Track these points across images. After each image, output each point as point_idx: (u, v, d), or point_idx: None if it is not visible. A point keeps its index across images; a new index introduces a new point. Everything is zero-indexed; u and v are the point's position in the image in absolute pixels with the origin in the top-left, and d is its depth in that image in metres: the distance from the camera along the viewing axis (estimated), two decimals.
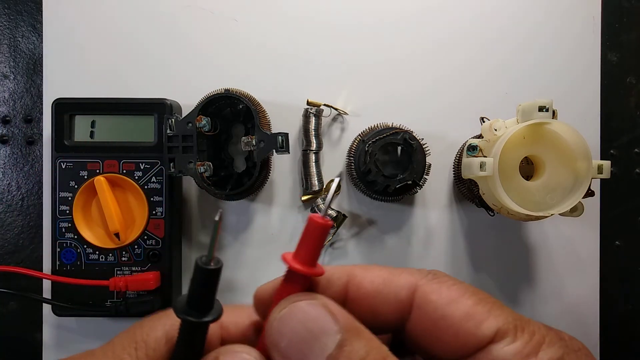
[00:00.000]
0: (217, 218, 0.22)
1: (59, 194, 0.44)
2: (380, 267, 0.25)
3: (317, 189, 0.46)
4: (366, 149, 0.42)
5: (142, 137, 0.45)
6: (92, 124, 0.45)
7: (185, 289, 0.48)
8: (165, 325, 0.23)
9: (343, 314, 0.22)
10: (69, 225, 0.44)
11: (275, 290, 0.24)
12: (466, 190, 0.45)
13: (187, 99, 0.47)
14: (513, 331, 0.23)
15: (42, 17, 0.48)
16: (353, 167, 0.44)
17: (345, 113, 0.48)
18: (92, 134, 0.45)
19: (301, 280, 0.23)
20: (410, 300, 0.24)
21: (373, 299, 0.24)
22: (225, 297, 0.48)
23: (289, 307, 0.22)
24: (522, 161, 0.40)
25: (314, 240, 0.24)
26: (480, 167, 0.38)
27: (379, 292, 0.24)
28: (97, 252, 0.44)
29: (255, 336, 0.25)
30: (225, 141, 0.46)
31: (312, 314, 0.21)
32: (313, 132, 0.46)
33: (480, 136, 0.41)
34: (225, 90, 0.43)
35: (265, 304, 0.24)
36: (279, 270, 0.50)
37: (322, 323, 0.21)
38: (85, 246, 0.44)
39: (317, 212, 0.23)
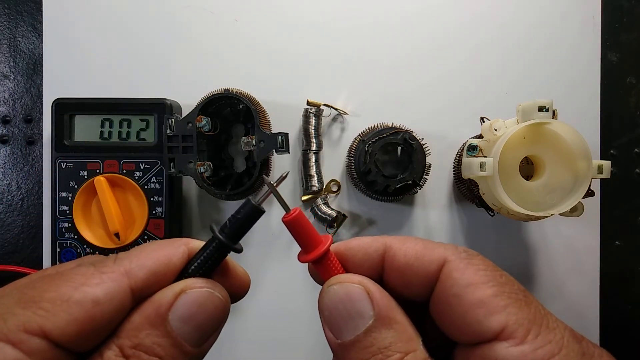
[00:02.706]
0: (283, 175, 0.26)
1: (59, 194, 0.44)
2: (416, 239, 0.25)
3: (317, 189, 0.46)
4: (366, 149, 0.42)
5: (142, 137, 0.45)
6: (92, 124, 0.45)
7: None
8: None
9: (383, 300, 0.23)
10: (69, 225, 0.44)
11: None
12: (466, 190, 0.45)
13: (187, 99, 0.47)
14: (523, 333, 0.22)
15: (42, 17, 0.48)
16: (353, 167, 0.44)
17: (345, 113, 0.48)
18: (92, 134, 0.45)
19: (323, 261, 0.25)
20: (438, 274, 0.24)
21: (405, 271, 0.24)
22: None
23: (338, 285, 0.24)
24: (522, 161, 0.40)
25: (297, 232, 0.26)
26: (480, 167, 0.38)
27: (410, 265, 0.24)
28: (97, 252, 0.44)
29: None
30: (225, 141, 0.46)
31: (354, 296, 0.23)
32: (313, 132, 0.46)
33: (480, 136, 0.41)
34: (225, 90, 0.43)
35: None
36: (278, 270, 0.50)
37: (359, 306, 0.23)
38: (85, 246, 0.44)
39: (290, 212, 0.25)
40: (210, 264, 0.24)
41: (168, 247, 0.23)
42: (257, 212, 0.25)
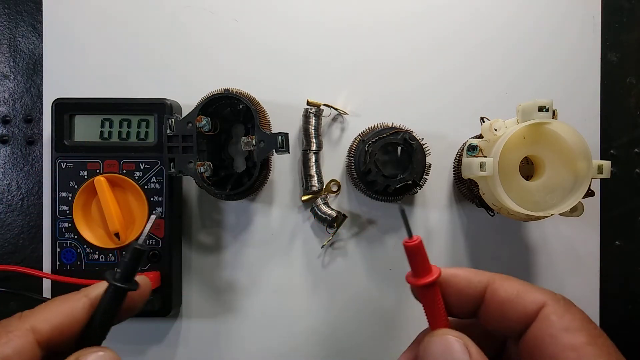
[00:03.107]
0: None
1: (59, 194, 0.44)
2: (518, 279, 0.28)
3: (317, 189, 0.46)
4: (366, 149, 0.42)
5: (142, 137, 0.45)
6: (92, 124, 0.45)
7: (185, 289, 0.48)
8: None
9: (479, 357, 0.26)
10: (69, 225, 0.44)
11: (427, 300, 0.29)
12: (466, 190, 0.45)
13: (187, 99, 0.47)
14: None
15: (42, 17, 0.48)
16: (353, 167, 0.44)
17: (345, 113, 0.48)
18: (92, 134, 0.45)
19: (432, 288, 0.29)
20: (536, 314, 0.26)
21: (505, 306, 0.27)
22: (225, 297, 0.48)
23: (441, 336, 0.27)
24: (522, 161, 0.40)
25: (414, 257, 0.29)
26: (480, 167, 0.38)
27: (511, 301, 0.27)
28: (97, 252, 0.44)
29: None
30: (225, 141, 0.46)
31: (454, 348, 0.26)
32: (313, 132, 0.46)
33: (480, 136, 0.41)
34: (225, 90, 0.43)
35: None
36: (278, 270, 0.50)
37: (458, 358, 0.26)
38: (85, 246, 0.44)
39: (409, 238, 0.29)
40: (113, 307, 0.27)
41: (70, 301, 0.26)
42: (140, 253, 0.28)
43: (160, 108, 0.44)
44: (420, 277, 0.29)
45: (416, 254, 0.29)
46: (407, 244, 0.29)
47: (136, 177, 0.44)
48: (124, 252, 0.29)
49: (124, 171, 0.44)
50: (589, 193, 0.38)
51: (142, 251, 0.28)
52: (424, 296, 0.29)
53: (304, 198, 0.47)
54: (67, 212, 0.44)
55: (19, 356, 0.23)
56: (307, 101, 0.46)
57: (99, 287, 0.27)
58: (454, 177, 0.48)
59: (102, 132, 0.45)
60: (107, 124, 0.45)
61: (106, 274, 0.27)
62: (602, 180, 0.46)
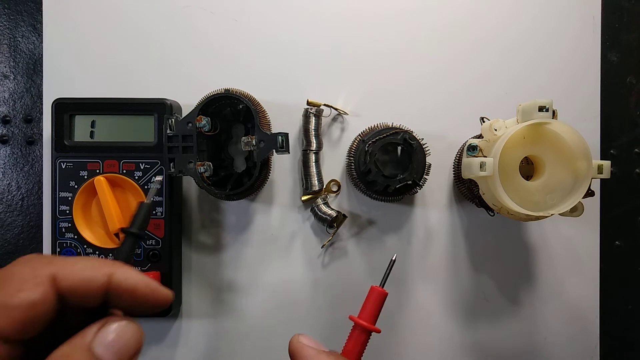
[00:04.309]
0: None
1: (59, 194, 0.44)
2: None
3: (317, 189, 0.46)
4: (366, 149, 0.42)
5: (142, 137, 0.45)
6: (92, 124, 0.45)
7: (185, 289, 0.48)
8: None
9: None
10: (69, 225, 0.44)
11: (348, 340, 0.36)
12: (466, 190, 0.45)
13: (187, 99, 0.47)
14: None
15: (42, 17, 0.48)
16: (353, 167, 0.44)
17: (345, 113, 0.48)
18: (92, 134, 0.45)
19: (367, 334, 0.36)
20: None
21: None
22: (225, 297, 0.48)
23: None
24: (522, 161, 0.40)
25: (374, 303, 0.36)
26: (480, 167, 0.38)
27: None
28: (97, 252, 0.44)
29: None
30: (225, 141, 0.46)
31: None
32: (313, 132, 0.46)
33: (480, 136, 0.41)
34: (225, 90, 0.43)
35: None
36: (278, 270, 0.50)
37: None
38: (85, 246, 0.44)
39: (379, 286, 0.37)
40: (130, 258, 0.31)
41: (92, 270, 0.25)
42: (148, 207, 0.32)
43: (160, 108, 0.44)
44: (367, 321, 0.35)
45: (378, 302, 0.36)
46: (378, 290, 0.36)
47: (136, 177, 0.44)
48: (137, 207, 0.32)
49: (124, 171, 0.44)
50: (589, 193, 0.38)
51: (149, 205, 0.32)
52: (357, 334, 0.36)
53: (304, 198, 0.47)
54: (67, 212, 0.44)
55: (43, 303, 0.23)
56: (307, 101, 0.46)
57: (128, 271, 0.26)
58: (454, 177, 0.48)
59: (102, 132, 0.45)
60: (107, 124, 0.45)
61: (121, 229, 0.32)
62: (602, 180, 0.46)
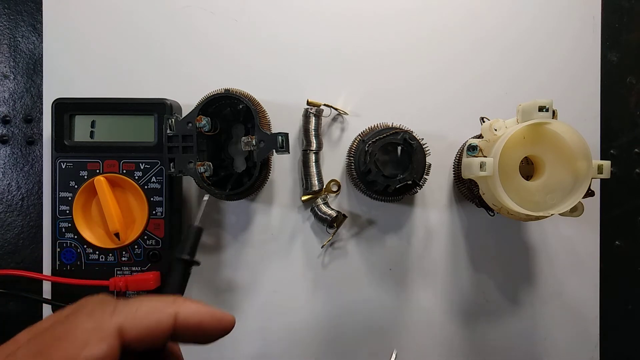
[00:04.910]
0: None
1: (59, 194, 0.44)
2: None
3: (317, 189, 0.46)
4: (366, 149, 0.42)
5: (142, 137, 0.45)
6: (92, 124, 0.45)
7: (185, 289, 0.48)
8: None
9: None
10: (69, 225, 0.44)
11: None
12: (466, 190, 0.45)
13: (187, 99, 0.47)
14: None
15: (42, 17, 0.48)
16: (353, 167, 0.44)
17: (345, 113, 0.48)
18: (92, 134, 0.45)
19: None
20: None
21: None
22: (225, 297, 0.48)
23: None
24: (522, 161, 0.40)
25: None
26: (480, 167, 0.38)
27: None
28: (97, 252, 0.44)
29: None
30: (225, 141, 0.46)
31: None
32: (313, 132, 0.46)
33: (480, 136, 0.41)
34: (225, 90, 0.43)
35: None
36: (278, 270, 0.50)
37: None
38: (85, 246, 0.44)
39: None
40: (183, 282, 0.30)
41: (157, 313, 0.24)
42: (200, 231, 0.32)
43: (160, 108, 0.44)
44: None
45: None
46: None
47: (136, 177, 0.44)
48: (186, 232, 0.32)
49: (124, 171, 0.44)
50: (589, 193, 0.38)
51: (201, 229, 0.32)
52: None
53: (304, 198, 0.47)
54: (67, 212, 0.44)
55: (108, 358, 0.22)
56: (307, 101, 0.46)
57: (191, 305, 0.26)
58: (454, 177, 0.48)
59: (102, 132, 0.45)
60: (107, 124, 0.45)
61: (174, 253, 0.31)
62: (602, 180, 0.46)
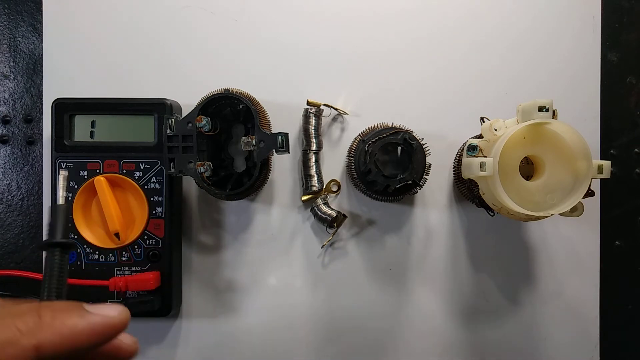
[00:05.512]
0: None
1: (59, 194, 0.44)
2: None
3: (317, 189, 0.46)
4: (366, 149, 0.42)
5: (142, 137, 0.45)
6: (92, 124, 0.45)
7: (185, 289, 0.48)
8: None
9: None
10: (69, 225, 0.44)
11: None
12: (466, 190, 0.45)
13: (187, 99, 0.47)
14: None
15: (42, 17, 0.48)
16: (353, 167, 0.44)
17: (345, 113, 0.48)
18: (92, 134, 0.45)
19: None
20: None
21: None
22: (225, 297, 0.48)
23: None
24: (522, 161, 0.40)
25: None
26: (480, 167, 0.38)
27: None
28: (97, 252, 0.44)
29: None
30: (225, 141, 0.46)
31: None
32: (313, 132, 0.46)
33: (480, 136, 0.41)
34: (225, 90, 0.43)
35: None
36: (278, 270, 0.50)
37: None
38: (85, 246, 0.44)
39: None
40: (63, 270, 0.26)
41: (11, 348, 0.22)
42: (60, 209, 0.28)
43: (160, 108, 0.44)
44: None
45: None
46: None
47: (136, 177, 0.44)
48: (51, 213, 0.29)
49: (124, 171, 0.44)
50: (589, 193, 0.38)
51: (68, 207, 0.29)
52: None
53: (304, 198, 0.47)
54: None
55: None
56: (307, 101, 0.46)
57: (58, 328, 0.23)
58: (454, 177, 0.48)
59: (102, 132, 0.45)
60: (107, 124, 0.45)
61: (46, 240, 0.27)
62: (602, 180, 0.46)
